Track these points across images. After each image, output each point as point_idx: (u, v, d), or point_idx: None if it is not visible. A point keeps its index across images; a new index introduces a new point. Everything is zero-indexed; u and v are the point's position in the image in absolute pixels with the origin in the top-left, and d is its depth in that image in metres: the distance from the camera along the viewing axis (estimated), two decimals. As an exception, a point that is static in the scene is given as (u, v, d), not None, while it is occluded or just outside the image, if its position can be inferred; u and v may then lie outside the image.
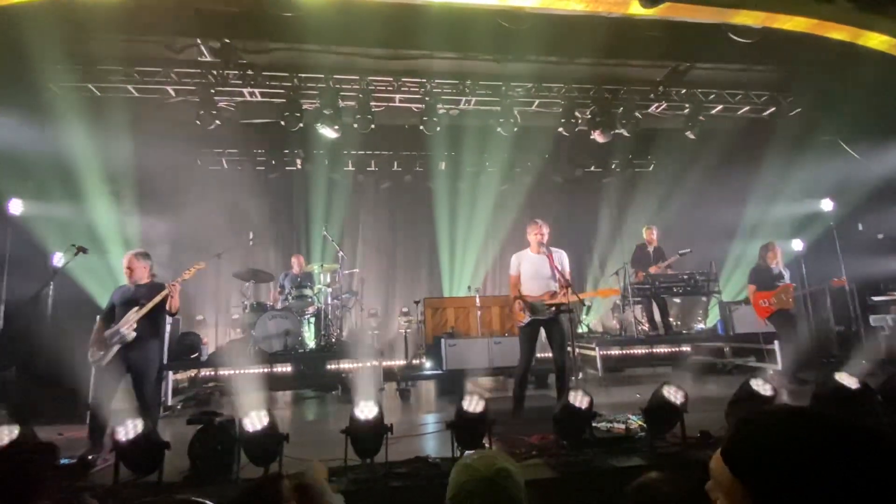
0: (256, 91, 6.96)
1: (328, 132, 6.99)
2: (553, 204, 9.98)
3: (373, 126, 7.07)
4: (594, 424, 3.31)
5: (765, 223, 8.57)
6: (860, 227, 7.72)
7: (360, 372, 7.47)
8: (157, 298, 3.86)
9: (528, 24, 5.43)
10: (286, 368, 7.33)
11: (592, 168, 9.85)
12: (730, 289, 8.44)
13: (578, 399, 3.16)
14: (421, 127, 7.30)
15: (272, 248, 9.29)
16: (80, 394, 4.61)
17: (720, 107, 7.81)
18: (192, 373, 7.16)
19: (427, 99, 7.11)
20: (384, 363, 6.90)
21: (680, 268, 7.32)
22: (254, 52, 6.47)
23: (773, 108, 7.88)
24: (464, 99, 7.39)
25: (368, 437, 2.98)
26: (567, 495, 2.78)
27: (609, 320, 9.03)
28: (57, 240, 6.37)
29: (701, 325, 7.88)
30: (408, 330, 8.16)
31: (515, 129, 7.35)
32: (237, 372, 6.88)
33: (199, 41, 6.07)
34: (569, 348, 4.34)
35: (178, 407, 5.76)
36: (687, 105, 7.67)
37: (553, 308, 4.29)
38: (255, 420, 2.89)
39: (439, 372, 6.38)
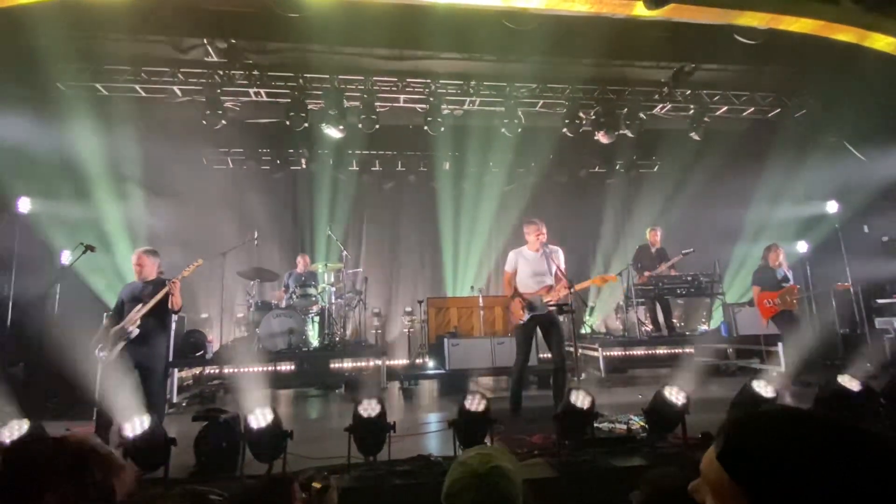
0: (262, 91, 7.01)
1: (333, 132, 7.02)
2: (557, 204, 9.97)
3: (377, 126, 7.09)
4: (596, 425, 3.32)
5: (769, 225, 8.52)
6: (866, 229, 7.67)
7: (364, 371, 7.52)
8: (158, 296, 3.91)
9: (533, 25, 5.44)
10: (290, 367, 7.37)
11: (596, 169, 9.85)
12: (734, 290, 8.40)
13: (580, 399, 3.17)
14: (425, 127, 7.32)
15: (277, 248, 9.33)
16: (87, 390, 4.67)
17: (725, 108, 7.79)
18: (197, 370, 7.22)
19: (431, 99, 7.14)
20: (387, 362, 6.93)
21: (683, 269, 7.30)
22: (260, 53, 6.52)
23: (778, 110, 7.86)
24: (468, 99, 7.41)
25: (371, 435, 3.00)
26: (568, 495, 2.79)
27: (612, 321, 9.02)
28: (64, 238, 6.43)
29: (704, 327, 7.85)
30: (411, 329, 8.19)
31: (519, 130, 7.36)
32: (242, 370, 6.92)
33: (205, 42, 6.13)
34: (569, 349, 4.34)
35: (184, 404, 5.81)
36: (692, 106, 7.65)
37: (552, 306, 4.28)
38: (259, 417, 2.92)
39: (442, 371, 6.41)
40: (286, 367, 7.36)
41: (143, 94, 6.85)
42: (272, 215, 9.32)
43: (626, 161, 9.50)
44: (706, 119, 7.67)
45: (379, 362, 6.69)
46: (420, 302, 8.07)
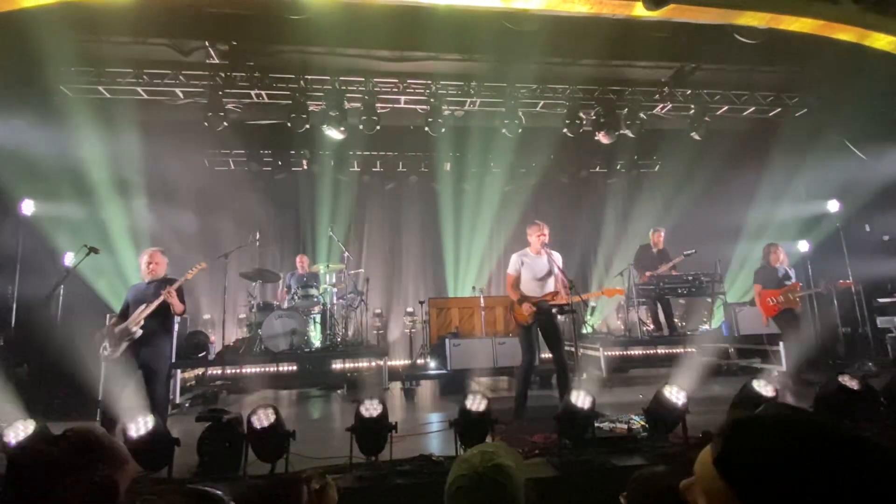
0: (263, 93, 7.03)
1: (334, 133, 7.04)
2: (558, 205, 9.98)
3: (378, 127, 7.11)
4: (597, 424, 3.33)
5: (771, 224, 8.51)
6: (867, 228, 7.66)
7: (365, 371, 7.54)
8: (159, 300, 3.95)
9: (533, 26, 5.45)
10: (292, 367, 7.40)
11: (597, 169, 9.85)
12: (735, 290, 8.39)
13: (581, 399, 3.18)
14: (426, 128, 7.33)
15: (278, 249, 9.37)
16: (91, 390, 4.70)
17: (726, 107, 7.78)
18: (200, 371, 7.24)
19: (432, 100, 7.15)
20: (389, 363, 6.95)
21: (684, 269, 7.30)
22: (261, 55, 6.54)
23: (778, 109, 7.85)
24: (469, 100, 7.42)
25: (373, 435, 3.03)
26: (569, 494, 2.81)
27: (614, 321, 9.03)
28: (68, 240, 6.47)
29: (706, 327, 7.86)
30: (412, 330, 8.21)
31: (520, 131, 7.36)
32: (244, 370, 6.95)
33: (207, 44, 6.15)
34: (569, 348, 4.36)
35: (186, 405, 5.83)
36: (692, 106, 7.64)
37: (555, 307, 4.31)
38: (261, 418, 2.94)
39: (443, 371, 6.42)
40: (288, 367, 7.39)
41: (145, 97, 6.87)
42: (274, 216, 9.36)
43: (626, 161, 9.48)
44: (707, 119, 7.65)
45: (380, 362, 6.70)
46: (421, 302, 8.08)
